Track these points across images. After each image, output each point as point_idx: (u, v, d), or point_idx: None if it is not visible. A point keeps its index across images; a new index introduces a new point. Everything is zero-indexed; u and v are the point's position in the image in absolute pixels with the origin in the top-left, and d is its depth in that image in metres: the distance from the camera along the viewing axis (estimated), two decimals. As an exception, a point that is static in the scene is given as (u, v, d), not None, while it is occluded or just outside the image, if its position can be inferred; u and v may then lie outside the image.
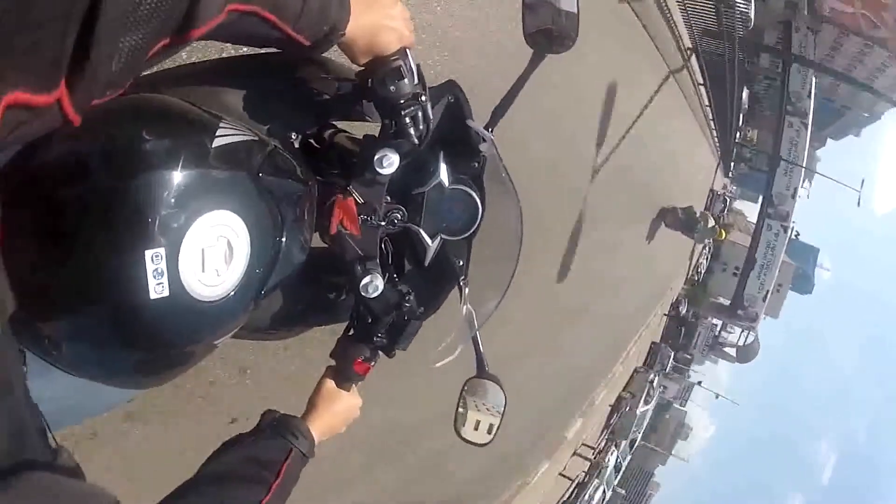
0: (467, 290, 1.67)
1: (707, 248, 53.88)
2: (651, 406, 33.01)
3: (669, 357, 40.96)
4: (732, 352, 55.69)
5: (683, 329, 47.74)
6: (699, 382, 68.90)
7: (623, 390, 30.10)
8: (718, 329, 50.21)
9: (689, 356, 53.53)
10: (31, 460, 0.73)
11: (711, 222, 22.05)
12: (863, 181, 34.58)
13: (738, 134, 34.75)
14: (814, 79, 24.56)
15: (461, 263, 1.67)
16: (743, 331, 44.04)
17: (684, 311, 44.87)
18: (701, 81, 20.75)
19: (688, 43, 17.36)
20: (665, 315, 39.31)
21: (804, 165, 25.79)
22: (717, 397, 75.59)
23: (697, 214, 21.14)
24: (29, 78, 0.62)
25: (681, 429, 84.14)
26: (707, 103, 23.79)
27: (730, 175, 53.32)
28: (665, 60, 14.88)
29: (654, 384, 35.69)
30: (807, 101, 24.15)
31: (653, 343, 36.64)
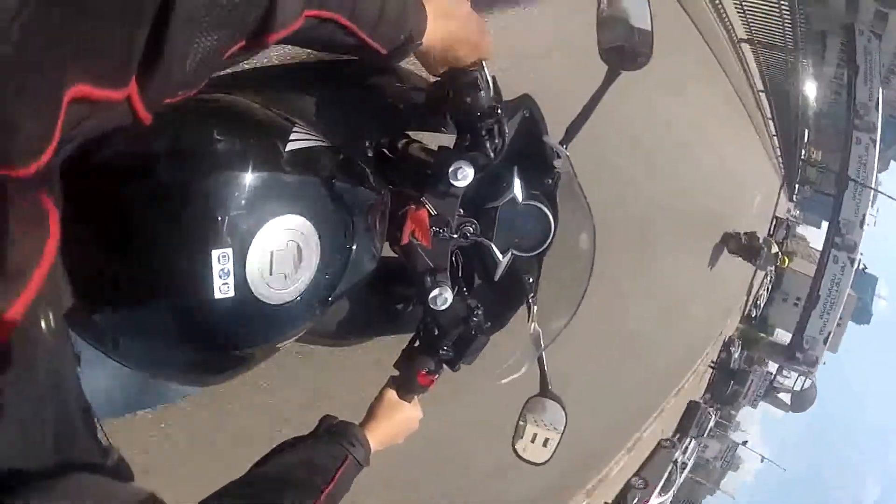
0: (536, 307, 1.65)
1: (768, 278, 53.11)
2: (668, 499, 24.92)
3: (711, 419, 36.33)
4: (786, 397, 51.80)
5: (733, 380, 42.81)
6: (744, 442, 67.64)
7: (635, 475, 20.49)
8: (774, 374, 45.87)
9: (733, 412, 51.08)
10: (78, 461, 0.73)
11: (775, 248, 21.53)
12: (877, 209, 34.41)
13: (802, 152, 33.65)
14: (881, 89, 22.40)
15: (531, 280, 1.65)
16: (800, 376, 39.30)
17: (736, 356, 40.65)
18: (761, 88, 20.31)
19: (753, 69, 17.25)
20: (711, 366, 34.31)
21: (874, 187, 24.15)
22: (762, 460, 73.78)
23: (761, 240, 20.59)
24: (96, 72, 0.61)
25: (731, 459, 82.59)
26: (769, 115, 23.34)
27: (794, 199, 51.51)
28: (728, 77, 14.71)
29: (680, 464, 28.10)
30: (874, 113, 22.03)
31: (691, 403, 30.00)
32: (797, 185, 43.52)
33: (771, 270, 45.36)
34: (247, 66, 1.16)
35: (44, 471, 0.66)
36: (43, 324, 0.66)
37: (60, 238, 0.65)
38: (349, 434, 1.44)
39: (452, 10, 1.29)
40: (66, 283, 1.00)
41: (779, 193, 35.91)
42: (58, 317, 0.70)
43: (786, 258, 24.16)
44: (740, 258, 20.87)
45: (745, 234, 20.16)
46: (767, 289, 56.56)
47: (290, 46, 1.08)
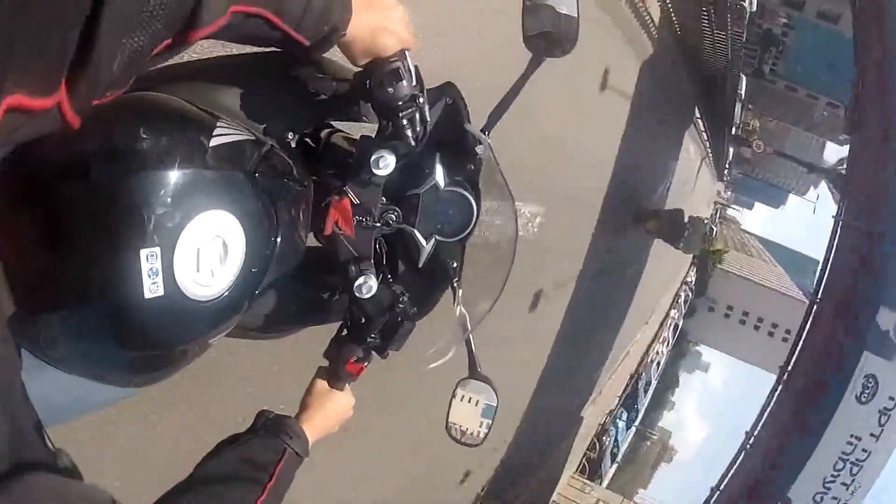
0: (461, 291, 1.67)
1: (689, 277, 48.94)
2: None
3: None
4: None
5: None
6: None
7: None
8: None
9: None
10: (31, 462, 0.73)
11: (703, 229, 19.87)
12: (818, 195, 35.82)
13: (732, 129, 33.71)
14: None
15: (455, 265, 1.67)
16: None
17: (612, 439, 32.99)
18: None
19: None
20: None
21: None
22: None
23: (686, 218, 18.53)
24: (29, 81, 0.62)
25: (664, 453, 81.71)
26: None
27: (724, 179, 50.86)
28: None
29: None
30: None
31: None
32: (727, 166, 43.57)
33: (695, 261, 45.07)
34: (170, 63, 1.16)
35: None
36: None
37: None
38: (286, 427, 1.45)
39: (376, 1, 1.30)
40: (6, 289, 0.99)
41: (698, 169, 33.11)
42: (1, 323, 0.70)
43: (717, 240, 23.34)
44: (659, 239, 19.12)
45: (668, 211, 18.61)
46: (687, 292, 50.53)
47: (211, 41, 1.08)
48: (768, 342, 64.95)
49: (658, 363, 42.61)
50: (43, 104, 0.65)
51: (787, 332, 64.31)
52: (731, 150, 39.33)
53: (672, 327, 43.41)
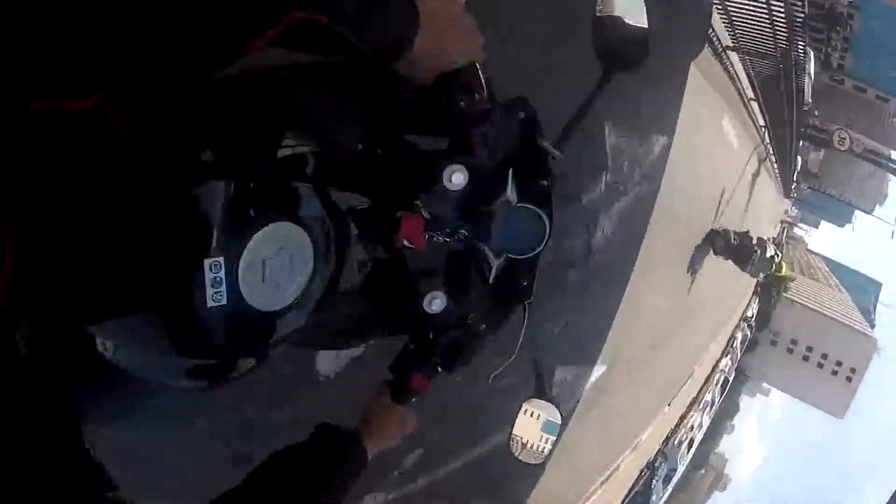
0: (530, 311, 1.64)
1: (752, 308, 43.57)
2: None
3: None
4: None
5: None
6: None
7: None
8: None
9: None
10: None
11: (771, 251, 19.56)
12: None
13: (800, 142, 29.88)
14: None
15: (526, 283, 1.65)
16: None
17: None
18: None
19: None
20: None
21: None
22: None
23: (754, 241, 18.58)
24: (62, 84, 0.61)
25: (718, 481, 78.84)
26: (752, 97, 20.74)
27: (791, 196, 46.26)
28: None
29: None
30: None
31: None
32: (795, 181, 39.91)
33: (759, 290, 40.67)
34: (233, 71, 1.16)
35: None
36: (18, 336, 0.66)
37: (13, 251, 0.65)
38: (345, 440, 1.44)
39: (446, 12, 1.28)
40: (59, 299, 1.00)
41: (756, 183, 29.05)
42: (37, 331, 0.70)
43: (783, 265, 21.93)
44: (729, 261, 18.57)
45: (736, 233, 18.16)
46: (746, 331, 43.85)
47: (276, 49, 1.08)
48: (830, 382, 61.38)
49: (691, 441, 33.29)
50: (78, 105, 0.64)
51: (852, 370, 62.16)
52: (798, 159, 35.25)
53: (720, 384, 35.24)
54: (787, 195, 44.05)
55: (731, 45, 15.57)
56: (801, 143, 30.15)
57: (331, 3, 1.04)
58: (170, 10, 0.69)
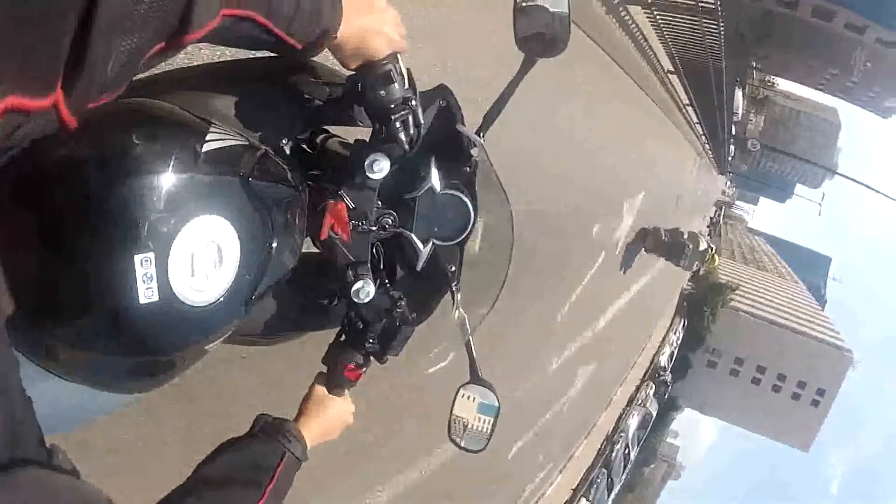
0: (459, 295, 1.67)
1: (680, 322, 37.59)
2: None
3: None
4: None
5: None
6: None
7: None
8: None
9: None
10: (26, 458, 0.73)
11: (704, 244, 19.68)
12: (823, 195, 33.82)
13: (730, 128, 29.30)
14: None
15: (453, 269, 1.67)
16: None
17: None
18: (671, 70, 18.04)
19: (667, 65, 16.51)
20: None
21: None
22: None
23: (685, 236, 18.97)
24: (25, 82, 0.62)
25: (671, 471, 75.39)
26: (688, 102, 21.23)
27: (727, 172, 42.94)
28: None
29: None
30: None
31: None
32: (730, 158, 37.38)
33: (684, 305, 37.14)
34: (163, 69, 1.16)
35: None
36: None
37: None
38: (284, 430, 1.45)
39: (367, 4, 1.30)
40: (6, 292, 0.99)
41: (697, 164, 28.93)
42: None
43: (716, 257, 21.50)
44: (661, 258, 19.26)
45: (667, 229, 18.60)
46: (678, 327, 37.61)
47: (204, 46, 1.08)
48: (791, 408, 51.52)
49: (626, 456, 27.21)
50: (40, 104, 0.65)
51: (820, 392, 50.81)
52: (731, 145, 34.47)
53: (639, 419, 27.77)
54: (721, 172, 40.82)
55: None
56: (732, 124, 29.28)
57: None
58: (112, 13, 0.70)
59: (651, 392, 31.26)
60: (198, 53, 2.34)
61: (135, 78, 0.87)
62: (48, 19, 0.64)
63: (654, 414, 33.06)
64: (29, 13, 0.61)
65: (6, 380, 0.74)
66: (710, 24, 13.72)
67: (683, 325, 39.53)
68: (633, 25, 12.73)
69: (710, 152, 32.00)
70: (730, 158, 37.63)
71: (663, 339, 34.57)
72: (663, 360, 33.86)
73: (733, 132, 31.94)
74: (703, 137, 27.71)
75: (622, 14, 11.92)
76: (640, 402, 28.41)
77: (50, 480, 0.76)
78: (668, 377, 34.87)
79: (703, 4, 13.08)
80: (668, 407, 43.61)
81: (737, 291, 43.61)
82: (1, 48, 0.59)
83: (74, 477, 0.86)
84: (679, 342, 38.65)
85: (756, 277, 57.75)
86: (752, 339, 48.62)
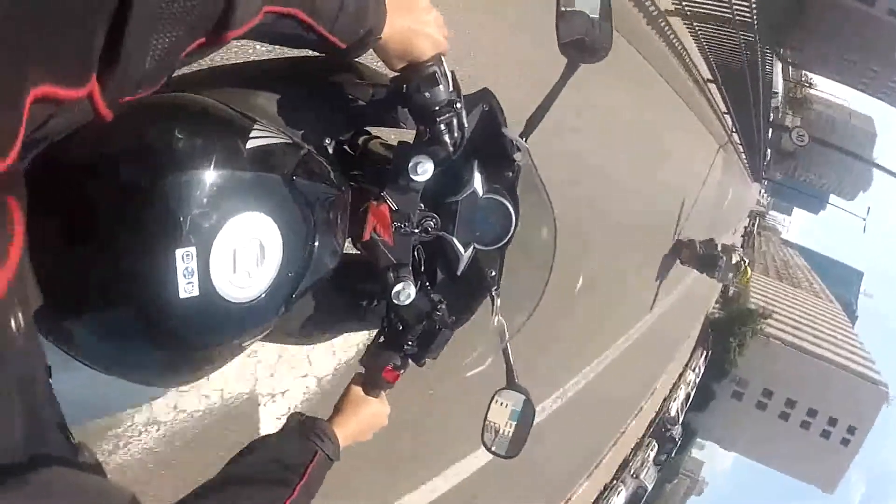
0: (499, 300, 1.66)
1: (702, 355, 33.95)
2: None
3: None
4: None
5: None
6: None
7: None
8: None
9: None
10: (50, 455, 0.73)
11: (737, 257, 19.84)
12: (868, 209, 32.46)
13: (769, 131, 27.70)
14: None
15: (493, 274, 1.66)
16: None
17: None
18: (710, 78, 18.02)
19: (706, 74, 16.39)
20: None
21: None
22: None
23: (719, 248, 19.20)
24: (60, 71, 0.62)
25: (694, 486, 72.11)
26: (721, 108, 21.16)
27: (762, 180, 40.46)
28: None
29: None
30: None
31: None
32: (766, 165, 35.22)
33: (710, 333, 33.85)
34: (207, 64, 1.16)
35: (15, 465, 0.66)
36: (13, 325, 0.66)
37: (28, 240, 0.65)
38: (317, 429, 1.45)
39: (411, 5, 1.30)
40: (35, 286, 1.00)
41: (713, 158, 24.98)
42: (27, 319, 0.70)
43: (748, 269, 21.17)
44: (695, 271, 19.41)
45: (702, 242, 18.80)
46: (699, 362, 33.63)
47: (248, 42, 1.08)
48: (819, 447, 46.85)
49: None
50: (74, 94, 0.65)
51: (851, 430, 46.76)
52: (768, 149, 32.57)
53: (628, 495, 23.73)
54: (755, 179, 38.67)
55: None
56: (769, 128, 28.01)
57: None
58: (147, 8, 0.70)
59: (651, 455, 26.71)
60: (242, 49, 2.36)
61: (178, 72, 0.87)
62: (84, 9, 0.63)
63: (649, 487, 27.59)
64: (64, 2, 0.61)
65: (32, 377, 0.74)
66: (748, 35, 13.64)
67: (706, 358, 35.43)
68: (673, 36, 12.66)
69: (745, 159, 31.12)
70: (765, 163, 35.58)
71: (679, 378, 30.07)
72: (674, 407, 29.75)
73: (769, 134, 30.03)
74: (741, 146, 27.28)
75: (662, 24, 11.86)
76: (632, 470, 24.20)
77: (74, 480, 0.76)
78: (678, 431, 30.74)
79: (739, 18, 13.04)
80: (685, 441, 39.40)
81: (769, 316, 39.98)
82: (35, 37, 0.58)
83: (98, 474, 0.86)
84: (698, 379, 34.55)
85: (790, 296, 53.19)
86: (785, 370, 43.65)
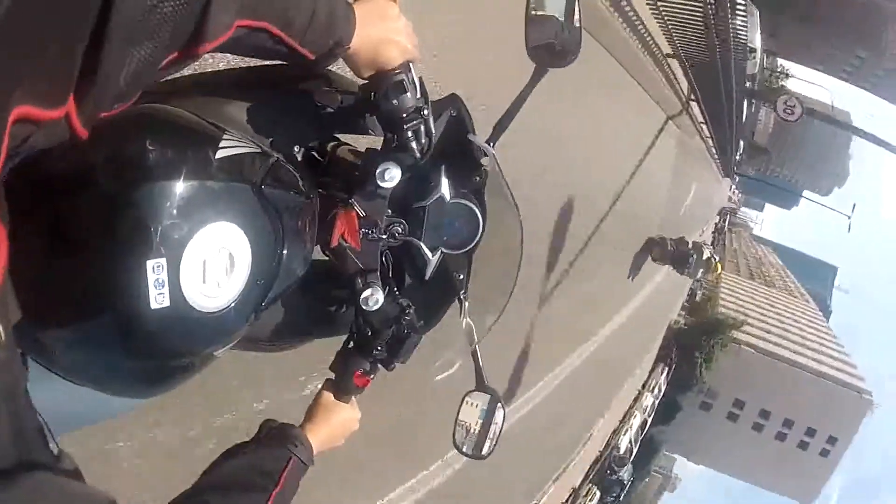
0: (467, 304, 1.68)
1: (665, 367, 30.83)
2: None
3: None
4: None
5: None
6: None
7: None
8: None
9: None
10: (34, 461, 0.74)
11: (707, 253, 20.03)
12: (854, 206, 30.65)
13: (738, 123, 26.26)
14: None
15: (461, 277, 1.68)
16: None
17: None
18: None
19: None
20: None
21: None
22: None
23: (689, 245, 19.28)
24: (38, 93, 0.63)
25: (667, 483, 69.23)
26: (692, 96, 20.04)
27: (732, 175, 39.05)
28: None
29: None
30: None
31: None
32: (738, 158, 33.58)
33: (674, 347, 31.22)
34: (177, 76, 1.17)
35: (5, 470, 0.67)
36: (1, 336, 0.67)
37: (8, 251, 0.66)
38: (291, 436, 1.46)
39: (380, 14, 1.32)
40: (13, 296, 1.00)
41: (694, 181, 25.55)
42: (8, 331, 0.71)
43: (719, 265, 21.44)
44: (667, 267, 19.64)
45: (672, 239, 19.01)
46: (660, 381, 29.87)
47: (218, 54, 1.09)
48: (797, 459, 43.26)
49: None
50: (52, 115, 0.66)
51: (831, 441, 43.12)
52: (741, 142, 31.41)
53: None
54: (726, 174, 37.15)
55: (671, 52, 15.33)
56: (740, 119, 26.71)
57: (273, 9, 1.07)
58: (124, 26, 0.71)
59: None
60: (214, 59, 2.36)
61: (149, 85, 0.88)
62: (61, 30, 0.64)
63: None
64: (41, 24, 0.62)
65: (14, 387, 0.74)
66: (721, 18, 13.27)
67: (668, 375, 32.01)
68: (634, 16, 12.37)
69: (715, 154, 30.57)
70: (738, 157, 34.48)
71: (632, 405, 26.74)
72: (625, 443, 25.74)
73: (743, 118, 28.94)
74: (711, 140, 26.75)
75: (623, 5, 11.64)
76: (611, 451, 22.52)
77: (58, 484, 0.77)
78: (627, 473, 26.84)
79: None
80: (649, 452, 36.10)
81: (741, 325, 36.68)
82: (13, 59, 0.59)
83: (80, 480, 0.87)
84: (658, 402, 30.91)
85: (763, 297, 50.30)
86: (757, 379, 39.99)
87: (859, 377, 42.76)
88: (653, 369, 29.04)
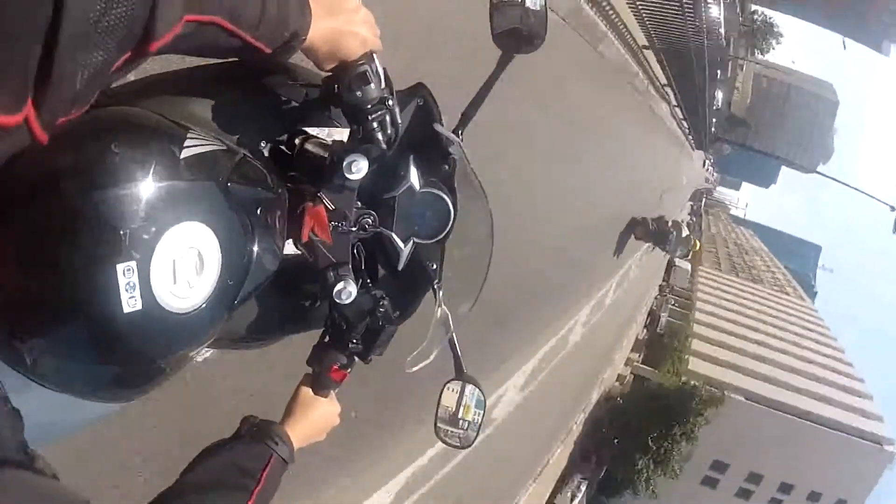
0: (441, 292, 1.68)
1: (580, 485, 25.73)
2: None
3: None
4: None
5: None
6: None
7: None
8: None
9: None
10: (8, 459, 0.74)
11: (686, 231, 21.16)
12: (892, 207, 27.33)
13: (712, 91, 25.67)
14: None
15: (434, 267, 1.68)
16: None
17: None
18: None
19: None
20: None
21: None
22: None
23: (669, 224, 20.40)
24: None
25: None
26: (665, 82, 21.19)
27: (708, 151, 38.42)
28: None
29: None
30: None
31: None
32: (712, 130, 32.14)
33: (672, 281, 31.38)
34: (139, 74, 1.16)
35: None
36: None
37: None
38: (271, 432, 1.46)
39: (338, 5, 1.31)
40: None
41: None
42: None
43: (697, 242, 22.53)
44: (649, 244, 20.78)
45: (653, 219, 20.03)
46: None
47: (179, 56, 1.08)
48: None
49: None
50: (11, 121, 0.65)
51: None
52: (713, 119, 30.86)
53: None
54: (699, 147, 34.42)
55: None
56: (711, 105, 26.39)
57: (220, 2, 1.06)
58: (76, 28, 0.71)
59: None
60: (176, 59, 2.33)
61: (111, 87, 0.88)
62: (12, 37, 0.64)
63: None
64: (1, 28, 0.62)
65: None
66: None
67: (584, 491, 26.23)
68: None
69: (686, 126, 29.85)
70: (712, 125, 32.26)
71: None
72: None
73: (716, 103, 28.32)
74: (679, 108, 26.48)
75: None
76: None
77: (32, 482, 0.77)
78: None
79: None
80: None
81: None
82: None
83: (55, 480, 0.87)
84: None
85: (751, 301, 41.54)
86: (743, 433, 31.03)
87: (877, 416, 33.48)
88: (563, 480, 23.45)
